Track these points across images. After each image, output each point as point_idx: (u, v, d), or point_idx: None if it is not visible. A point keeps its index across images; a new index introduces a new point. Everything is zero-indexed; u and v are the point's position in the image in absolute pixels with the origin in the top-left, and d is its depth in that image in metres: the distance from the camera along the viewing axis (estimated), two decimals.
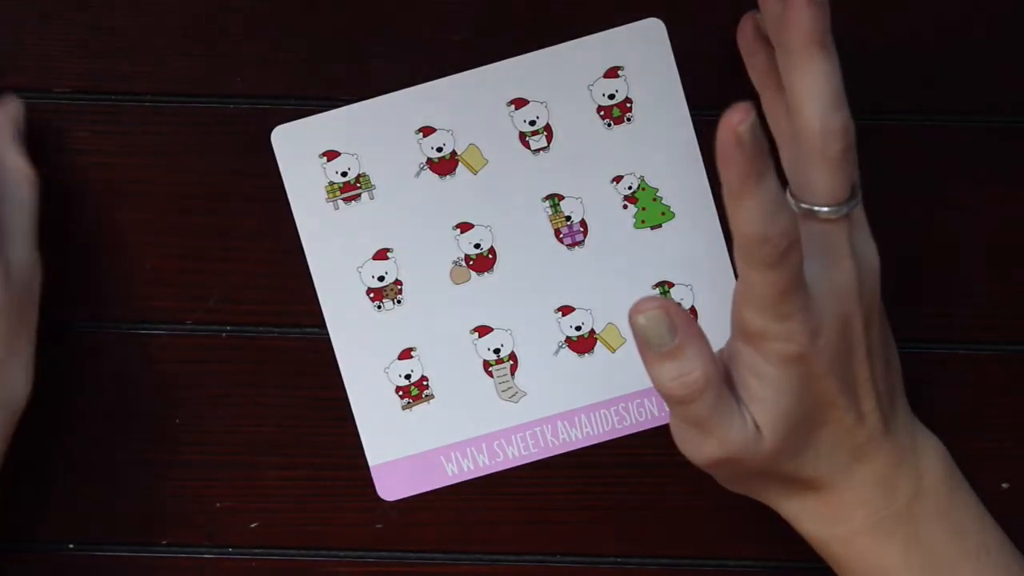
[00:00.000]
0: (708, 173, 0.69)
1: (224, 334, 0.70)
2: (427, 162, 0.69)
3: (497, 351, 0.70)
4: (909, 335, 0.69)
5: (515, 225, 0.70)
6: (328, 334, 0.69)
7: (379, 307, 0.70)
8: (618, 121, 0.69)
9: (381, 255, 0.69)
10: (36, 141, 0.68)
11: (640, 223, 0.70)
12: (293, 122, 0.69)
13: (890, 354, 0.65)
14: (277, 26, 0.69)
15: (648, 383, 0.62)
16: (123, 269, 0.69)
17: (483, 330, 0.70)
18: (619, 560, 0.71)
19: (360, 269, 0.69)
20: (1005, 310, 0.70)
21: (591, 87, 0.69)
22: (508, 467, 0.70)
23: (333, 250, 0.69)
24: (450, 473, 0.70)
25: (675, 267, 0.70)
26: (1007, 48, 0.70)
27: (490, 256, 0.70)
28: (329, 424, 0.70)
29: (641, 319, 0.60)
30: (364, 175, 0.69)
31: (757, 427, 0.61)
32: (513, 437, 0.70)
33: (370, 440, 0.70)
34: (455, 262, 0.70)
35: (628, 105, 0.69)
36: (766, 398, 0.61)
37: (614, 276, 0.70)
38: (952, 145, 0.70)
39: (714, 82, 0.69)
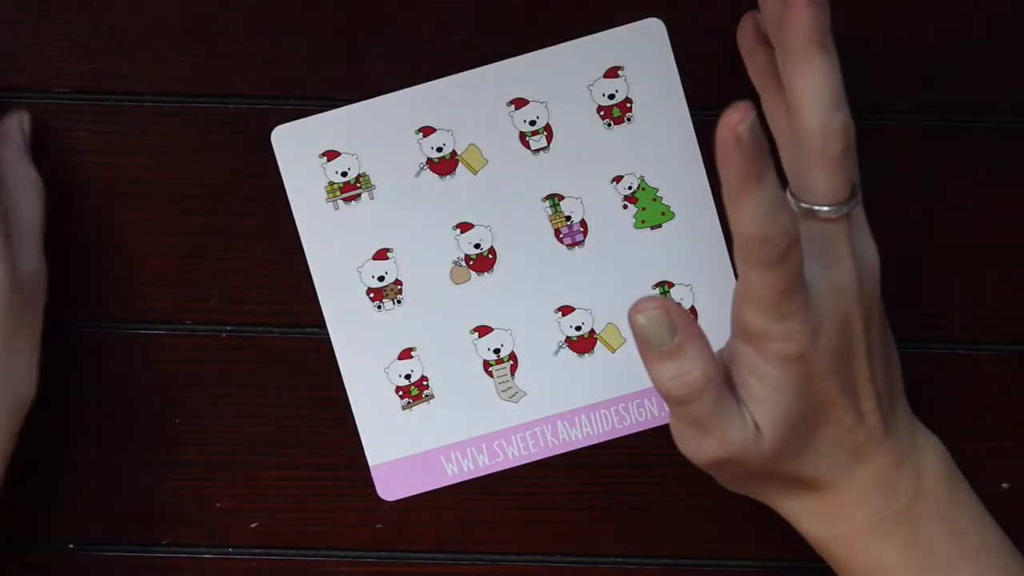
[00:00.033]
0: (708, 173, 0.69)
1: (224, 334, 0.70)
2: (427, 162, 0.69)
3: (497, 351, 0.70)
4: (909, 335, 0.69)
5: (515, 225, 0.70)
6: (328, 334, 0.69)
7: (379, 307, 0.70)
8: (618, 121, 0.69)
9: (381, 255, 0.69)
10: (36, 141, 0.68)
11: (640, 223, 0.70)
12: (293, 122, 0.69)
13: (890, 354, 0.65)
14: (277, 26, 0.69)
15: (648, 383, 0.62)
16: (123, 269, 0.69)
17: (483, 330, 0.70)
18: (619, 560, 0.71)
19: (360, 269, 0.69)
20: (1005, 310, 0.70)
21: (591, 87, 0.69)
22: (508, 467, 0.70)
23: (333, 250, 0.69)
24: (450, 473, 0.70)
25: (675, 267, 0.70)
26: (1007, 48, 0.70)
27: (490, 256, 0.70)
28: (329, 424, 0.70)
29: (641, 319, 0.60)
30: (364, 175, 0.69)
31: (757, 427, 0.61)
32: (513, 437, 0.70)
33: (370, 440, 0.70)
34: (455, 262, 0.70)
35: (628, 105, 0.69)
36: (766, 398, 0.61)
37: (614, 276, 0.70)
38: (952, 145, 0.70)
39: (714, 82, 0.69)
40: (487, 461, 0.70)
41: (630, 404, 0.70)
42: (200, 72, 0.69)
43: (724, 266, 0.69)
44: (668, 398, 0.61)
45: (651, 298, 0.60)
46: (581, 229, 0.70)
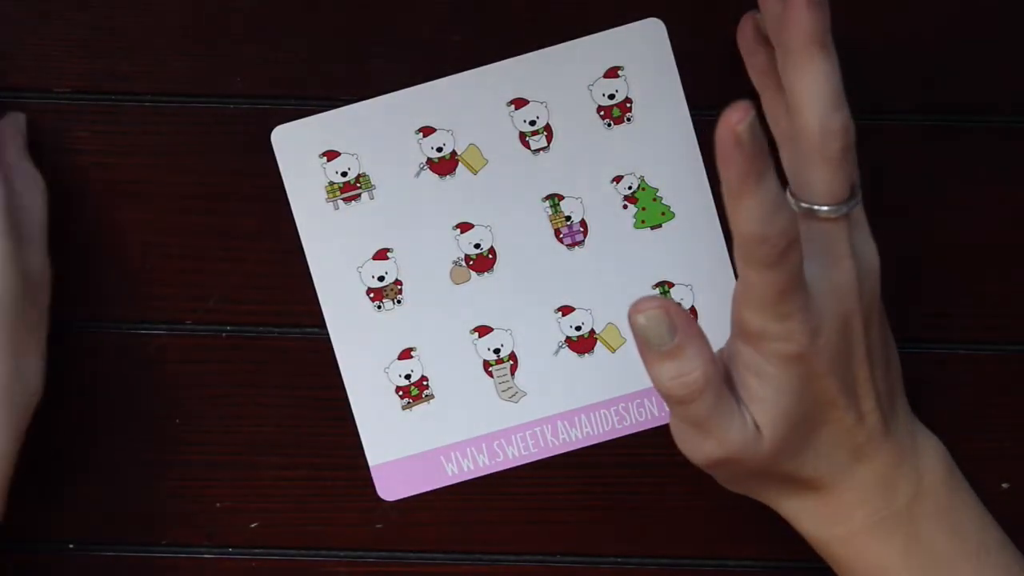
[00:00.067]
0: (708, 173, 0.69)
1: (224, 334, 0.70)
2: (427, 162, 0.69)
3: (497, 351, 0.70)
4: (909, 335, 0.69)
5: (515, 225, 0.70)
6: (328, 334, 0.69)
7: (379, 307, 0.70)
8: (618, 121, 0.69)
9: (381, 255, 0.69)
10: (36, 141, 0.68)
11: (640, 223, 0.70)
12: (293, 122, 0.69)
13: (890, 354, 0.65)
14: (277, 26, 0.69)
15: (648, 383, 0.62)
16: (123, 269, 0.69)
17: (483, 330, 0.70)
18: (619, 560, 0.71)
19: (360, 269, 0.69)
20: (1005, 310, 0.70)
21: (591, 87, 0.69)
22: (508, 467, 0.70)
23: (333, 250, 0.69)
24: (450, 473, 0.70)
25: (675, 267, 0.70)
26: (1007, 48, 0.70)
27: (490, 256, 0.70)
28: (329, 424, 0.70)
29: (641, 319, 0.60)
30: (364, 175, 0.69)
31: (757, 427, 0.61)
32: (513, 437, 0.70)
33: (370, 440, 0.70)
34: (455, 262, 0.70)
35: (628, 105, 0.69)
36: (766, 398, 0.61)
37: (614, 276, 0.70)
38: (952, 145, 0.70)
39: (714, 82, 0.69)
40: (487, 461, 0.70)
41: (630, 404, 0.70)
42: (200, 72, 0.69)
43: (724, 266, 0.69)
44: (668, 398, 0.61)
45: (651, 298, 0.60)
46: (581, 229, 0.70)
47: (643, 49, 0.69)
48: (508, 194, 0.69)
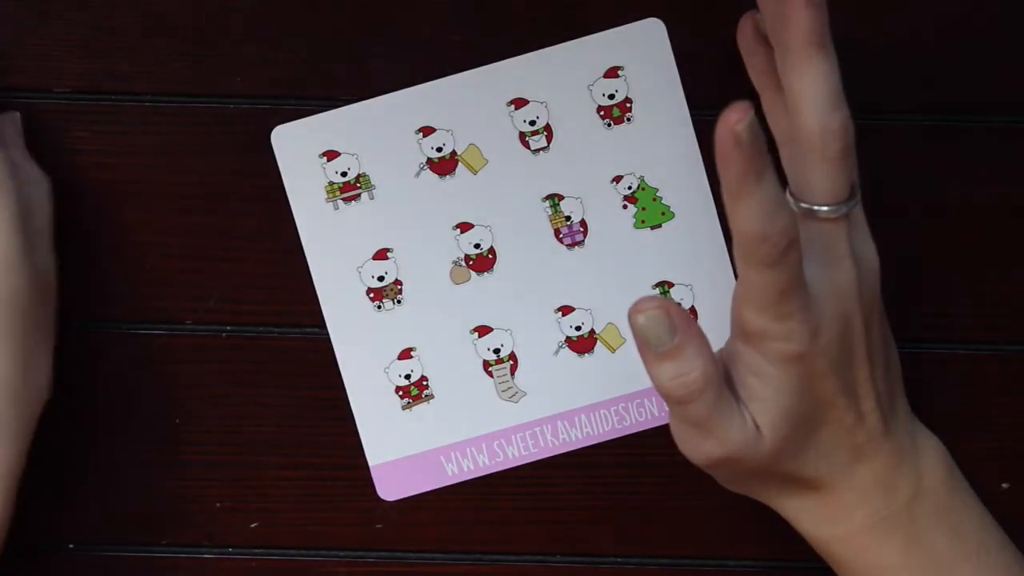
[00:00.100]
0: (708, 173, 0.69)
1: (224, 334, 0.70)
2: (427, 162, 0.69)
3: (497, 351, 0.70)
4: (909, 335, 0.69)
5: (515, 225, 0.70)
6: (328, 334, 0.69)
7: (379, 307, 0.70)
8: (618, 121, 0.69)
9: (381, 255, 0.69)
10: (36, 141, 0.68)
11: (640, 223, 0.70)
12: (293, 122, 0.69)
13: (890, 354, 0.65)
14: (277, 26, 0.69)
15: (648, 383, 0.62)
16: (123, 269, 0.69)
17: (483, 330, 0.70)
18: (619, 560, 0.71)
19: (360, 269, 0.69)
20: (1005, 310, 0.70)
21: (591, 87, 0.69)
22: (508, 467, 0.70)
23: (333, 250, 0.69)
24: (450, 473, 0.70)
25: (675, 267, 0.70)
26: (1007, 48, 0.70)
27: (490, 256, 0.70)
28: (329, 424, 0.70)
29: (641, 319, 0.60)
30: (364, 175, 0.69)
31: (757, 427, 0.61)
32: (513, 437, 0.70)
33: (370, 440, 0.70)
34: (455, 262, 0.70)
35: (628, 105, 0.69)
36: (766, 398, 0.61)
37: (614, 276, 0.70)
38: (952, 145, 0.70)
39: (714, 82, 0.69)
40: (487, 461, 0.70)
41: (630, 404, 0.70)
42: (200, 72, 0.69)
43: (724, 266, 0.69)
44: (668, 398, 0.61)
45: (651, 298, 0.60)
46: (581, 229, 0.70)
47: (643, 49, 0.69)
48: (508, 194, 0.69)
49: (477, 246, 0.69)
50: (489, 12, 0.69)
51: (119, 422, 0.70)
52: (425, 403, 0.70)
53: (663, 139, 0.69)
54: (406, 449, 0.70)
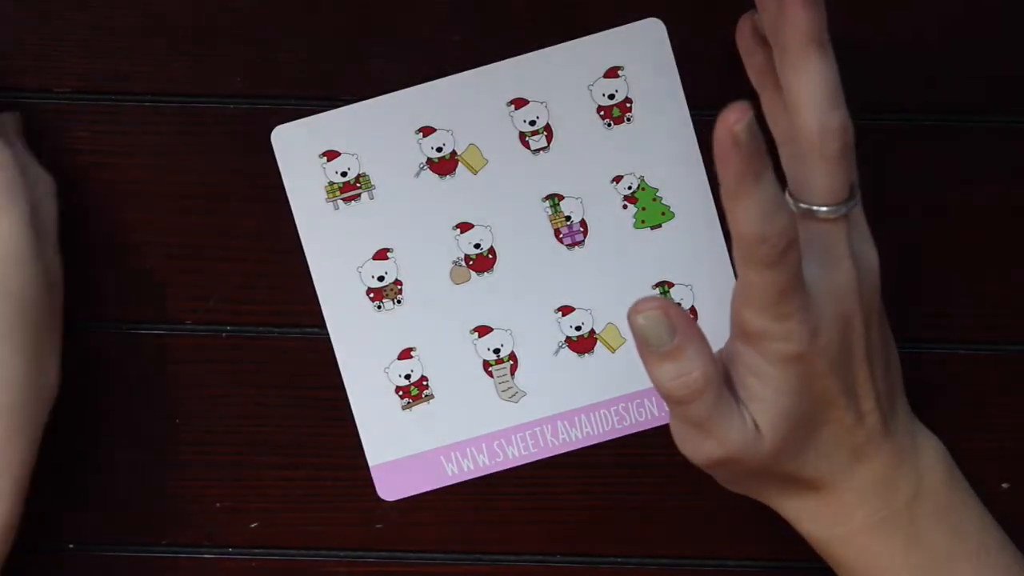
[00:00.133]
0: (708, 173, 0.69)
1: (224, 334, 0.70)
2: (427, 162, 0.69)
3: (497, 351, 0.70)
4: (909, 335, 0.69)
5: (515, 225, 0.70)
6: (328, 334, 0.69)
7: (379, 307, 0.70)
8: (618, 121, 0.69)
9: (381, 255, 0.69)
10: (36, 141, 0.68)
11: (640, 223, 0.70)
12: (293, 122, 0.69)
13: (890, 354, 0.65)
14: (277, 26, 0.69)
15: (648, 383, 0.62)
16: (123, 269, 0.69)
17: (483, 330, 0.70)
18: (619, 560, 0.71)
19: (360, 269, 0.69)
20: (1005, 310, 0.70)
21: (591, 87, 0.69)
22: (508, 467, 0.70)
23: (333, 250, 0.69)
24: (450, 473, 0.70)
25: (675, 267, 0.70)
26: (1008, 48, 0.70)
27: (490, 256, 0.70)
28: (329, 424, 0.70)
29: (640, 319, 0.60)
30: (364, 175, 0.69)
31: (757, 427, 0.61)
32: (513, 437, 0.70)
33: (370, 440, 0.70)
34: (455, 262, 0.70)
35: (628, 105, 0.69)
36: (766, 398, 0.61)
37: (614, 276, 0.70)
38: (952, 145, 0.70)
39: (714, 82, 0.69)
40: (487, 461, 0.70)
41: (630, 404, 0.70)
42: (200, 72, 0.69)
43: (724, 266, 0.69)
44: (668, 398, 0.61)
45: (650, 298, 0.60)
46: (581, 229, 0.70)
47: (643, 49, 0.69)
48: (508, 194, 0.69)
49: (477, 246, 0.69)
50: (489, 12, 0.69)
51: (119, 422, 0.70)
52: (425, 403, 0.70)
53: (663, 139, 0.69)
54: (406, 449, 0.70)
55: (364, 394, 0.70)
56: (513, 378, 0.70)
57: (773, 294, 0.59)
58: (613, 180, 0.70)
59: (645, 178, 0.70)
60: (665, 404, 0.64)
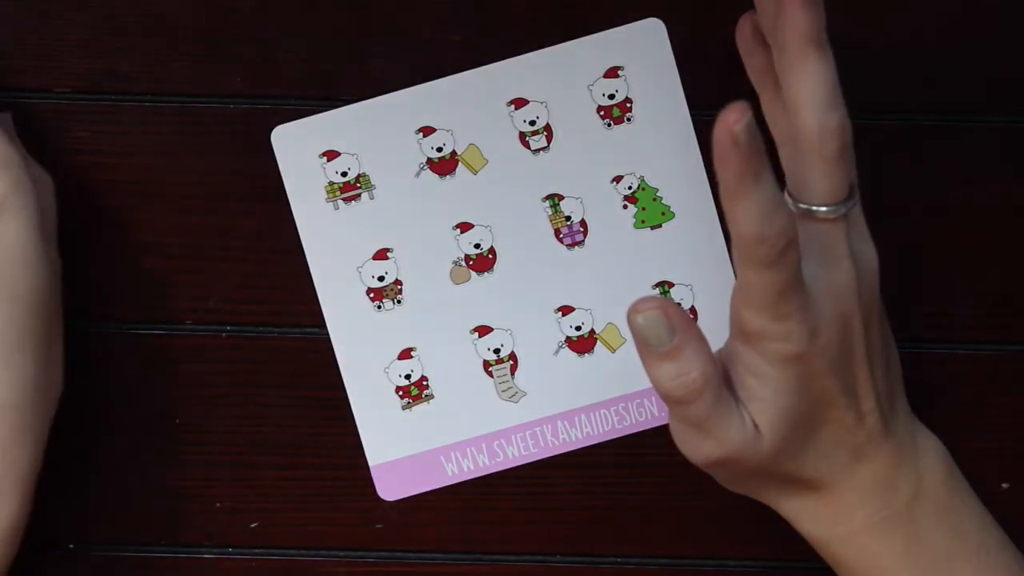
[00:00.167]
0: (708, 173, 0.69)
1: (224, 334, 0.70)
2: (427, 162, 0.69)
3: (497, 351, 0.70)
4: (909, 335, 0.69)
5: (515, 225, 0.70)
6: (328, 334, 0.69)
7: (379, 307, 0.70)
8: (618, 121, 0.69)
9: (381, 255, 0.69)
10: (36, 141, 0.68)
11: (640, 223, 0.70)
12: (293, 122, 0.69)
13: (890, 354, 0.65)
14: (277, 26, 0.69)
15: (648, 383, 0.62)
16: (123, 269, 0.69)
17: (483, 330, 0.70)
18: (619, 560, 0.71)
19: (360, 269, 0.69)
20: (1006, 310, 0.70)
21: (591, 87, 0.69)
22: (508, 467, 0.70)
23: (333, 250, 0.69)
24: (450, 473, 0.70)
25: (675, 267, 0.70)
26: (1008, 48, 0.70)
27: (490, 256, 0.70)
28: (329, 424, 0.70)
29: (639, 319, 0.60)
30: (364, 175, 0.69)
31: (756, 427, 0.61)
32: (513, 437, 0.70)
33: (370, 440, 0.70)
34: (455, 262, 0.70)
35: (628, 105, 0.69)
36: (765, 398, 0.61)
37: (614, 276, 0.70)
38: (953, 145, 0.70)
39: (714, 82, 0.69)
40: (487, 461, 0.70)
41: (630, 404, 0.70)
42: (200, 72, 0.69)
43: (724, 266, 0.69)
44: (667, 398, 0.61)
45: (650, 298, 0.60)
46: (581, 229, 0.70)
47: (643, 49, 0.69)
48: (508, 194, 0.69)
49: (477, 246, 0.69)
50: (489, 12, 0.69)
51: (119, 422, 0.70)
52: (425, 403, 0.70)
53: (663, 139, 0.69)
54: (406, 449, 0.70)
55: (364, 394, 0.70)
56: (513, 378, 0.70)
57: (772, 294, 0.59)
58: (613, 180, 0.70)
59: (645, 178, 0.70)
60: (664, 404, 0.64)
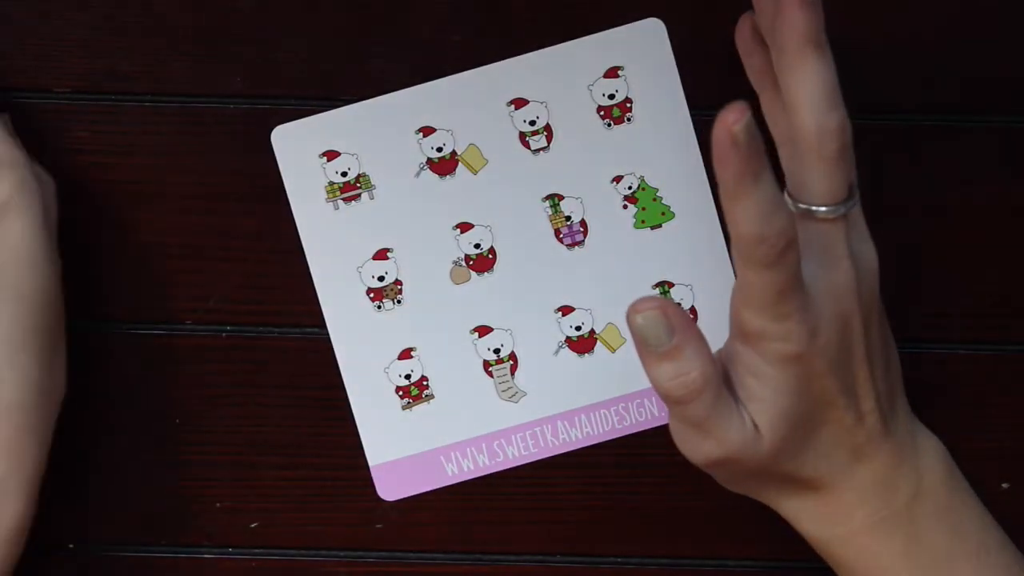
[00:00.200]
0: (708, 173, 0.69)
1: (224, 334, 0.70)
2: (427, 162, 0.69)
3: (497, 351, 0.70)
4: (909, 335, 0.69)
5: (515, 225, 0.70)
6: (328, 334, 0.69)
7: (379, 307, 0.70)
8: (618, 121, 0.69)
9: (381, 255, 0.69)
10: (36, 141, 0.68)
11: (640, 223, 0.70)
12: (293, 122, 0.69)
13: (890, 354, 0.65)
14: (277, 26, 0.69)
15: (648, 383, 0.62)
16: (123, 269, 0.69)
17: (483, 330, 0.70)
18: (619, 560, 0.71)
19: (360, 269, 0.69)
20: (1005, 310, 0.70)
21: (591, 87, 0.69)
22: (508, 467, 0.70)
23: (333, 250, 0.69)
24: (450, 473, 0.70)
25: (675, 267, 0.70)
26: (1007, 48, 0.70)
27: (490, 256, 0.70)
28: (329, 424, 0.70)
29: (639, 319, 0.60)
30: (364, 175, 0.69)
31: (756, 427, 0.61)
32: (513, 437, 0.70)
33: (370, 440, 0.70)
34: (455, 262, 0.70)
35: (628, 105, 0.69)
36: (765, 398, 0.61)
37: (614, 276, 0.70)
38: (952, 145, 0.70)
39: (714, 82, 0.69)
40: (487, 461, 0.70)
41: (630, 404, 0.70)
42: (200, 72, 0.69)
43: (724, 266, 0.69)
44: (667, 398, 0.61)
45: (649, 298, 0.60)
46: (581, 229, 0.70)
47: (643, 49, 0.69)
48: (508, 194, 0.69)
49: (477, 246, 0.69)
50: (489, 12, 0.69)
51: (119, 422, 0.70)
52: (425, 403, 0.70)
53: (663, 139, 0.69)
54: (406, 449, 0.70)
55: (364, 394, 0.70)
56: (513, 378, 0.70)
57: (772, 294, 0.59)
58: (613, 180, 0.70)
59: (645, 178, 0.70)
60: (664, 404, 0.64)
